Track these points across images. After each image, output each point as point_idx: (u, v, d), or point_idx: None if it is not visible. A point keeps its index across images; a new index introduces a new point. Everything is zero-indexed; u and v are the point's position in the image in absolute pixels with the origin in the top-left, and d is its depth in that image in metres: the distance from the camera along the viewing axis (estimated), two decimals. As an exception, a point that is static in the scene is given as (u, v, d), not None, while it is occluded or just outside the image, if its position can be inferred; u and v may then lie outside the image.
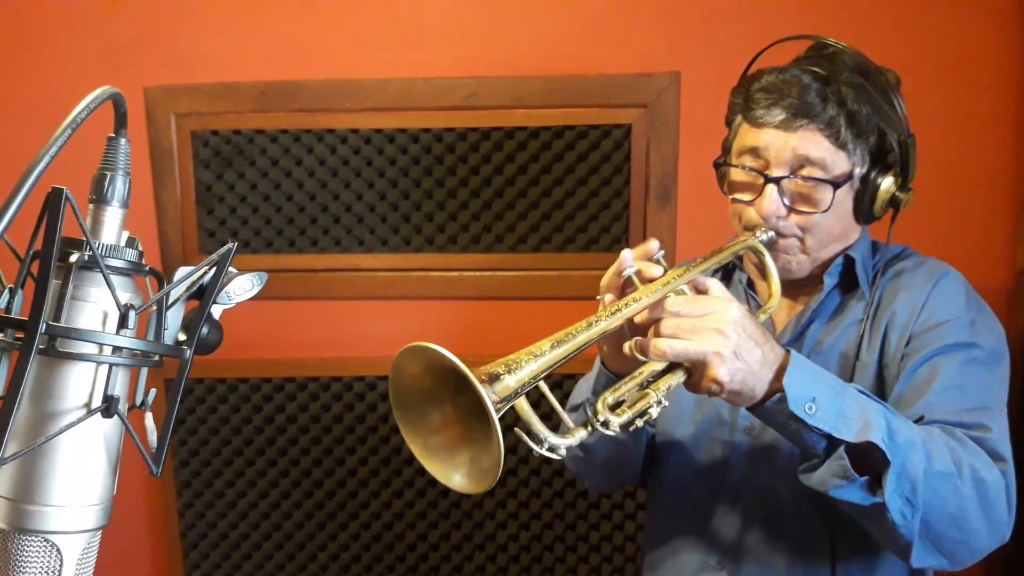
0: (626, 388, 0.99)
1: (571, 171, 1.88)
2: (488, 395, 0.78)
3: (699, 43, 1.83)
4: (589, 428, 0.94)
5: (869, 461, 0.97)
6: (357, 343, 1.96)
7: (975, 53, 1.80)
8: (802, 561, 1.18)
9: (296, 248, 1.95)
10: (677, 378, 0.99)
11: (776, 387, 0.98)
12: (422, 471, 1.95)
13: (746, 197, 1.18)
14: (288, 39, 1.89)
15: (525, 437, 0.89)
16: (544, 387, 0.89)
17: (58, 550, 0.60)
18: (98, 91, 0.57)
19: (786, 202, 1.15)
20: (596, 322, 0.95)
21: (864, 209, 1.18)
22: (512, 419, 0.88)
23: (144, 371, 0.66)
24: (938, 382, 1.08)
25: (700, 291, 1.04)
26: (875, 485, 0.98)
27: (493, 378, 0.83)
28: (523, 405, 0.89)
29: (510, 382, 0.84)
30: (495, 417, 0.78)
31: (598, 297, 1.06)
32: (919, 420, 1.06)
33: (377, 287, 1.94)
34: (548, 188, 1.89)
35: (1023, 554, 1.78)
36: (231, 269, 0.68)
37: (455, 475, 0.87)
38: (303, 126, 1.89)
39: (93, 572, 0.64)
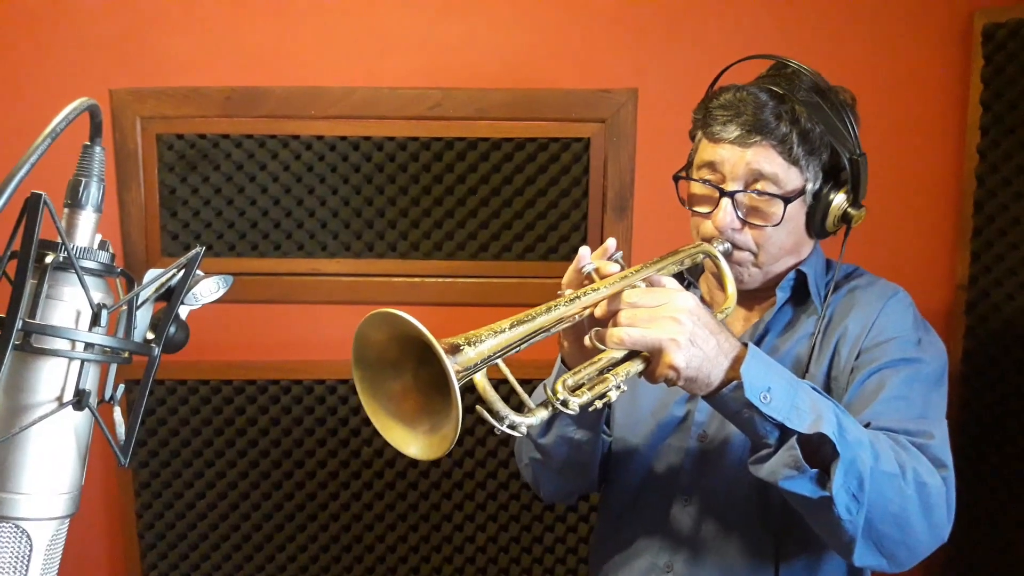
0: (585, 372, 1.00)
1: (532, 182, 1.93)
2: (451, 363, 0.80)
3: (656, 62, 1.89)
4: (549, 407, 0.95)
5: (819, 456, 1.00)
6: (318, 347, 1.98)
7: (918, 77, 1.88)
8: (747, 563, 1.22)
9: (259, 252, 1.97)
10: (635, 366, 1.01)
11: (732, 376, 1.01)
12: (380, 474, 1.99)
13: (704, 209, 1.23)
14: (255, 45, 1.91)
15: (486, 414, 0.90)
16: (504, 366, 0.92)
17: (28, 536, 0.63)
18: (77, 102, 0.60)
19: (740, 215, 1.19)
20: (555, 307, 0.98)
21: (816, 224, 1.23)
22: (474, 399, 0.90)
23: (113, 367, 0.70)
24: (885, 393, 1.13)
25: (655, 286, 1.07)
26: (824, 479, 1.01)
27: (454, 349, 0.85)
28: (485, 385, 0.90)
29: (470, 354, 0.86)
30: (455, 383, 0.80)
31: (559, 292, 1.09)
32: (866, 427, 1.09)
33: (339, 292, 1.97)
34: (509, 198, 1.93)
35: (962, 557, 1.86)
36: (198, 272, 0.71)
37: (412, 444, 0.88)
38: (268, 131, 1.91)
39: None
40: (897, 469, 1.02)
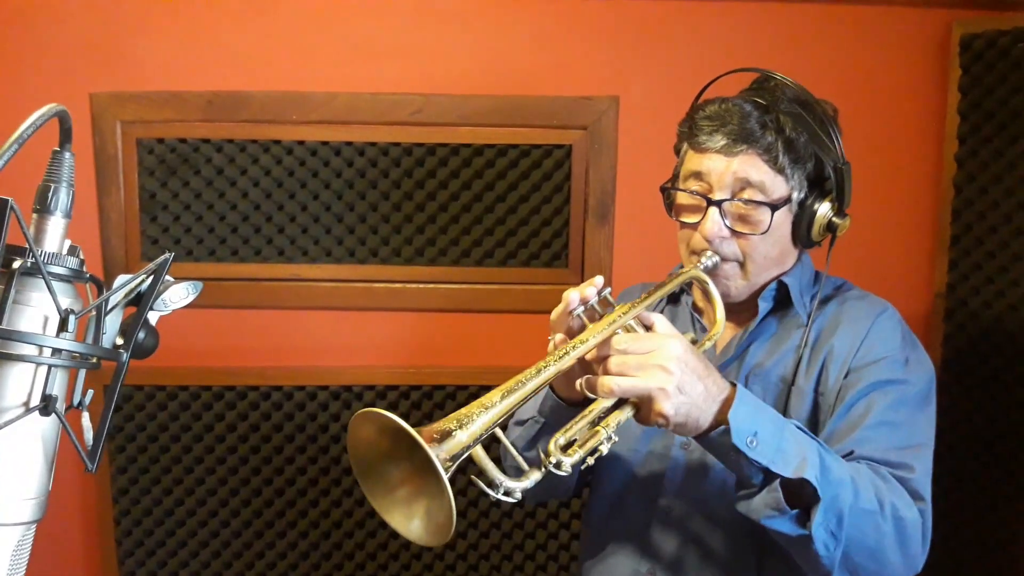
0: (577, 427, 1.02)
1: (514, 188, 1.93)
2: (436, 456, 0.82)
3: (637, 70, 1.90)
4: (542, 470, 0.97)
5: (801, 495, 1.02)
6: (299, 353, 1.98)
7: (896, 87, 1.90)
8: (729, 573, 1.22)
9: (239, 257, 1.96)
10: (626, 413, 1.03)
11: (720, 419, 1.02)
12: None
13: (692, 220, 1.23)
14: (236, 50, 1.91)
15: (481, 484, 0.92)
16: (499, 432, 0.93)
17: (-7, 542, 0.62)
18: (45, 108, 0.60)
19: (727, 224, 1.20)
20: (545, 368, 0.99)
21: (802, 233, 1.24)
22: (468, 463, 0.92)
23: (82, 373, 0.69)
24: (871, 418, 1.14)
25: (646, 325, 1.08)
26: (804, 518, 1.03)
27: (445, 435, 0.86)
28: (478, 451, 0.91)
29: (462, 437, 0.88)
30: (445, 477, 0.82)
31: (549, 337, 1.10)
32: (850, 454, 1.11)
33: (320, 297, 1.97)
34: (491, 204, 1.94)
35: (939, 563, 1.87)
36: (168, 278, 0.71)
37: (413, 526, 0.91)
38: (249, 136, 1.91)
39: (26, 570, 0.66)
40: (876, 505, 1.05)
